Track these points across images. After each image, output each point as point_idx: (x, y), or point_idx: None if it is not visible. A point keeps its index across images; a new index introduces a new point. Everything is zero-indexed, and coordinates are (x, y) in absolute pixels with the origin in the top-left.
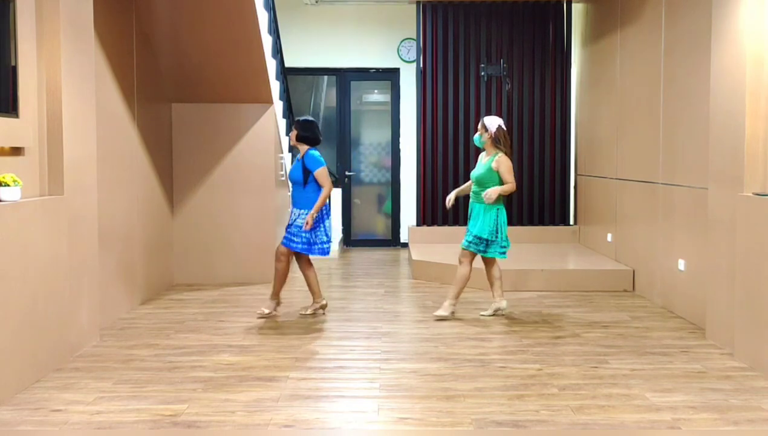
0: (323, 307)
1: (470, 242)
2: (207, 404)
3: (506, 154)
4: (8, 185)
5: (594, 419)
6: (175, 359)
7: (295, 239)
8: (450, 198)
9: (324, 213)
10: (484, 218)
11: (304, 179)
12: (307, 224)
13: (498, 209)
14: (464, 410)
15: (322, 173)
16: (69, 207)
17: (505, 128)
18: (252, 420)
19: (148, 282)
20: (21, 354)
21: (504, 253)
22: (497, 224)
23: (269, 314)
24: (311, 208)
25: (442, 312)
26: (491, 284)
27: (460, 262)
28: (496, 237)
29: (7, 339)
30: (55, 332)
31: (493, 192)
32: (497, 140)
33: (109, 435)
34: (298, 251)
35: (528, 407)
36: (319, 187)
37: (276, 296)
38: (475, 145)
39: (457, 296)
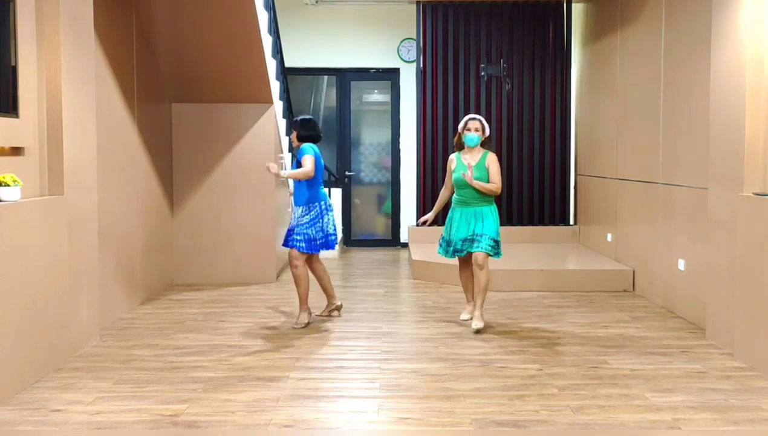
0: (338, 308)
1: (491, 247)
2: (207, 404)
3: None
4: (8, 185)
5: (594, 419)
6: (175, 359)
7: (297, 237)
8: (428, 219)
9: (324, 208)
10: (492, 218)
11: None
12: (272, 170)
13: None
14: (464, 410)
15: (305, 157)
16: (69, 207)
17: None
18: (252, 420)
19: (148, 282)
20: (21, 354)
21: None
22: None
23: (308, 323)
24: (305, 204)
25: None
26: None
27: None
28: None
29: (7, 339)
30: (55, 332)
31: (481, 185)
32: (489, 140)
33: (109, 435)
34: (303, 250)
35: (528, 407)
36: (313, 182)
37: (304, 304)
38: (468, 145)
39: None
